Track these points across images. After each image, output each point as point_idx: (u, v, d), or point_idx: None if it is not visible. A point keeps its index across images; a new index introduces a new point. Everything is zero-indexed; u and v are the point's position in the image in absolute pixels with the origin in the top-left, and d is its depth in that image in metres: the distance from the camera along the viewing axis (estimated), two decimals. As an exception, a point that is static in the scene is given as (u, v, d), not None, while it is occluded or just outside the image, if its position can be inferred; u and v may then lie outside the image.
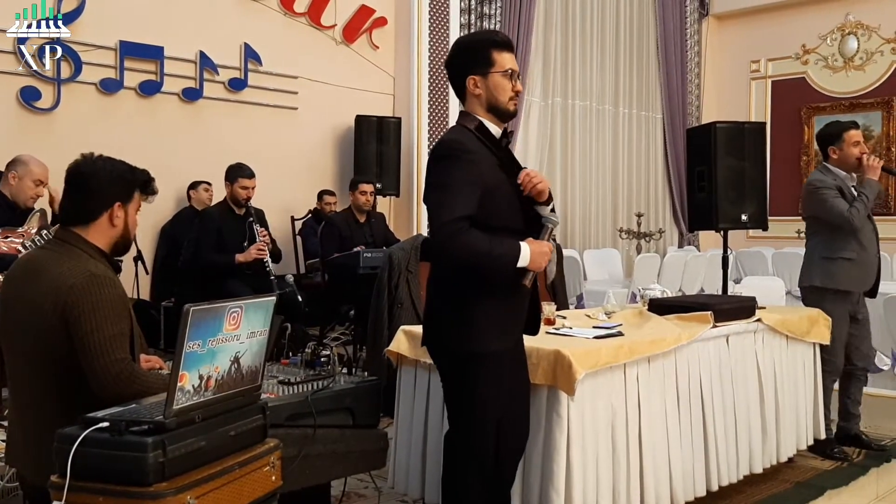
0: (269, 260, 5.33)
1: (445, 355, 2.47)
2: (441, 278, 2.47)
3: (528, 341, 2.73)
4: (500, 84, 2.44)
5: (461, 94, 2.50)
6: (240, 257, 5.21)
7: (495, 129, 2.48)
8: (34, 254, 2.35)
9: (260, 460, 1.95)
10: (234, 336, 1.87)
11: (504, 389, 2.46)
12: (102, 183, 2.24)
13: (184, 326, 1.73)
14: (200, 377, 1.80)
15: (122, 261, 5.30)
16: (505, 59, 2.46)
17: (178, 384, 1.74)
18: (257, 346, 1.96)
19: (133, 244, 5.66)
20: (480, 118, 2.46)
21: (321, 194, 7.14)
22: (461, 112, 2.54)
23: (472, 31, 8.32)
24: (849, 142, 4.05)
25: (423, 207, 8.06)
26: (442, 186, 2.32)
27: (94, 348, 2.07)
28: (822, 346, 4.02)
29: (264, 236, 5.35)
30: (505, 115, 2.49)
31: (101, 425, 1.74)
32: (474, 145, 2.39)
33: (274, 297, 1.99)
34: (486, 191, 2.33)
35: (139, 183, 2.32)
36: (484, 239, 2.29)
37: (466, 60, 2.47)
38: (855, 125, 4.21)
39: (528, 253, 2.33)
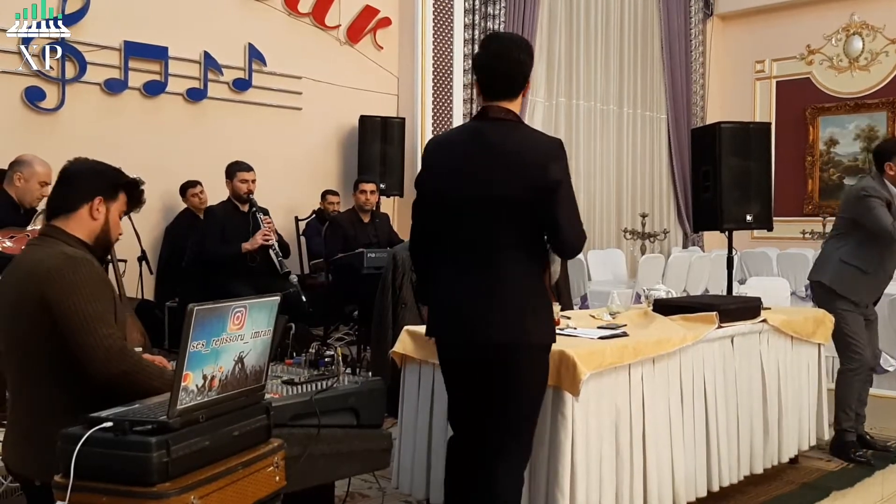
0: (276, 246, 5.34)
1: (531, 349, 2.47)
2: (533, 274, 2.46)
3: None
4: None
5: (518, 90, 2.48)
6: (246, 245, 5.22)
7: None
8: (23, 251, 2.37)
9: (264, 460, 1.95)
10: (238, 336, 1.87)
11: None
12: (85, 176, 2.28)
13: (188, 326, 1.72)
14: (204, 377, 1.79)
15: (125, 261, 5.33)
16: None
17: (182, 384, 1.74)
18: (261, 346, 1.96)
19: (139, 245, 5.72)
20: None
21: (324, 194, 7.14)
22: (508, 109, 2.47)
23: (476, 31, 8.31)
24: None
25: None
26: (573, 193, 2.44)
27: (81, 326, 2.07)
28: (846, 346, 4.07)
29: (269, 224, 5.36)
30: None
31: (104, 425, 1.74)
32: None
33: (278, 297, 1.99)
34: None
35: (125, 184, 2.33)
36: None
37: (532, 62, 2.51)
38: None
39: None
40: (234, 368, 1.88)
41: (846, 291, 4.06)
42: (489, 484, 2.49)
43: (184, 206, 6.49)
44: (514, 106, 2.47)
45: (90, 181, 2.28)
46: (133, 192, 2.34)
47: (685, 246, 10.66)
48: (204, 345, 1.77)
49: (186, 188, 6.39)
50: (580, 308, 7.42)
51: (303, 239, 7.22)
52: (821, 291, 4.16)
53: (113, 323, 2.14)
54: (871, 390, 4.87)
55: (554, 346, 2.72)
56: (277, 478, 1.99)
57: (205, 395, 1.80)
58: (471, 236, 2.45)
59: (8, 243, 4.04)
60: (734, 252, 5.25)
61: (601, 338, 2.98)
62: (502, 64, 2.45)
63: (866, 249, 4.04)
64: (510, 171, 2.39)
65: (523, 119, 2.64)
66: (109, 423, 1.74)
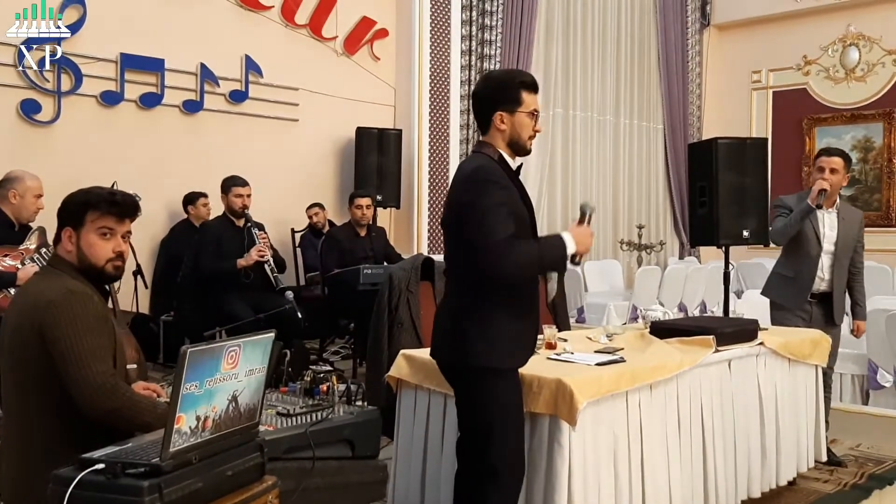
0: (272, 261, 5.32)
1: (469, 371, 2.50)
2: (466, 295, 2.51)
3: (530, 369, 2.72)
4: (525, 123, 2.57)
5: (485, 125, 2.60)
6: (241, 261, 5.20)
7: (512, 163, 2.60)
8: (31, 279, 2.40)
9: (258, 499, 1.94)
10: (231, 375, 1.86)
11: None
12: (60, 209, 2.29)
13: (181, 368, 1.71)
14: (198, 418, 1.78)
15: (119, 282, 5.30)
16: (531, 100, 2.58)
17: (175, 426, 1.72)
18: (255, 384, 1.94)
19: (133, 258, 5.68)
20: (500, 151, 2.57)
21: (308, 208, 7.11)
22: (480, 142, 2.64)
23: (473, 43, 8.31)
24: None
25: (424, 219, 8.07)
26: (485, 210, 2.40)
27: (74, 360, 2.07)
28: None
29: (264, 239, 5.34)
30: (522, 152, 2.62)
31: (96, 467, 1.72)
32: (502, 173, 2.51)
33: (272, 334, 1.98)
34: (514, 218, 2.46)
35: (85, 204, 2.24)
36: (531, 246, 2.46)
37: (496, 95, 2.58)
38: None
39: (571, 239, 2.51)
40: (228, 408, 1.87)
41: (776, 297, 4.40)
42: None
43: (181, 217, 6.46)
44: (489, 137, 2.59)
45: (60, 213, 2.29)
46: (100, 207, 2.24)
47: (682, 257, 10.65)
48: (197, 386, 1.76)
49: (196, 198, 6.34)
50: (576, 320, 7.42)
51: (299, 251, 7.20)
52: (770, 307, 4.46)
53: (108, 359, 2.14)
54: (867, 409, 4.89)
55: (550, 374, 2.72)
56: (272, 515, 1.98)
57: (198, 436, 1.79)
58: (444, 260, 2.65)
59: (9, 262, 4.03)
60: (731, 266, 5.25)
61: (598, 364, 2.97)
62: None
63: (788, 257, 4.38)
64: (448, 198, 2.61)
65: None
66: (101, 465, 1.72)
